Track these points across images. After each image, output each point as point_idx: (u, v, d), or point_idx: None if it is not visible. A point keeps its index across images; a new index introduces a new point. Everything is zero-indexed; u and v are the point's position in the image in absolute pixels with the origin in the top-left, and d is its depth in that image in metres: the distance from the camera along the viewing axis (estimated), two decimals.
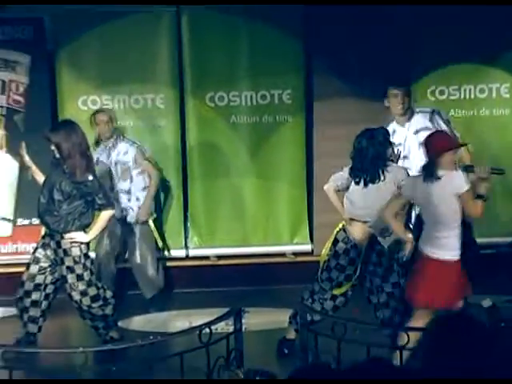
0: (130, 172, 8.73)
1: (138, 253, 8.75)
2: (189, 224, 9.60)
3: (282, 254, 9.56)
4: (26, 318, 7.21)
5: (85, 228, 7.18)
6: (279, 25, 9.34)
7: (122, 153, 8.73)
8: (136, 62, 9.33)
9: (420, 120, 8.10)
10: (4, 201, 9.32)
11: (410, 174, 7.88)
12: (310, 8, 9.31)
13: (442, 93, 9.50)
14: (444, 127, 8.10)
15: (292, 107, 9.51)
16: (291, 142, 9.53)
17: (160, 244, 9.04)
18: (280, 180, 9.57)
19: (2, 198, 9.30)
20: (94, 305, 7.11)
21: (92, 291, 7.11)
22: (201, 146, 9.51)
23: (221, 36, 9.41)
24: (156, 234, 8.89)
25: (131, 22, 9.33)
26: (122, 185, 8.72)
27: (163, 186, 9.44)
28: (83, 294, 7.09)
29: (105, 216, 7.22)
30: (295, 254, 9.56)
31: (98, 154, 8.56)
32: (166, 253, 9.32)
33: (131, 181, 8.73)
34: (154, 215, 8.94)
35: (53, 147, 7.06)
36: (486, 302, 7.39)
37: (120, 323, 7.65)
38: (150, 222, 8.85)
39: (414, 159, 7.99)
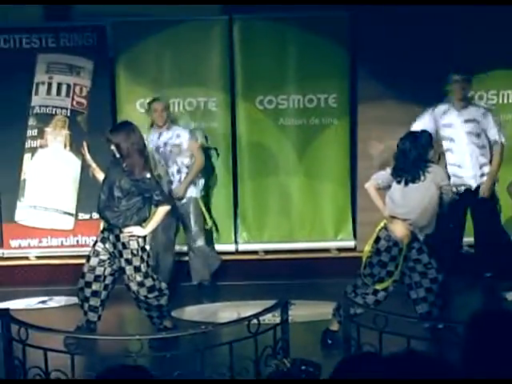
0: (183, 154, 8.76)
1: (195, 236, 8.77)
2: (238, 220, 9.61)
3: (327, 250, 9.54)
4: (87, 307, 7.24)
5: (142, 222, 7.21)
6: (326, 32, 9.31)
7: (175, 136, 8.79)
8: (190, 68, 9.35)
9: (473, 111, 8.26)
10: (67, 196, 9.41)
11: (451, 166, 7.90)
12: (354, 16, 9.29)
13: (480, 97, 9.34)
14: (493, 127, 8.14)
15: (337, 110, 9.47)
16: (336, 143, 9.50)
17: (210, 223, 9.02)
18: (325, 179, 9.54)
19: (65, 193, 9.39)
20: (149, 295, 7.14)
21: (148, 282, 7.13)
22: (250, 146, 9.52)
23: (270, 43, 9.38)
24: (206, 216, 8.93)
25: (185, 29, 9.35)
26: (173, 167, 8.78)
27: (214, 184, 9.47)
28: (140, 284, 7.11)
29: (161, 211, 7.24)
30: (339, 249, 9.53)
31: (150, 136, 8.71)
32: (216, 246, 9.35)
33: (182, 163, 8.78)
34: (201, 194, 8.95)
35: (113, 147, 7.09)
36: (511, 295, 7.43)
37: (173, 313, 7.68)
38: (201, 204, 8.91)
39: (461, 144, 8.14)
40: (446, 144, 8.32)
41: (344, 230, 9.58)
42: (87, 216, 9.31)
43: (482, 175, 8.22)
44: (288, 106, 9.46)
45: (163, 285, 7.27)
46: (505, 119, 9.28)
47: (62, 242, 9.41)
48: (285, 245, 9.51)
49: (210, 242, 9.11)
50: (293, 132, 9.52)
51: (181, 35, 9.32)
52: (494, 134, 8.23)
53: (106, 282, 7.22)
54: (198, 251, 8.86)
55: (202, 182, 8.95)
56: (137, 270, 7.10)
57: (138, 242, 7.10)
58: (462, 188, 8.20)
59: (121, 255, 7.11)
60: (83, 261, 7.34)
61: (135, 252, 7.10)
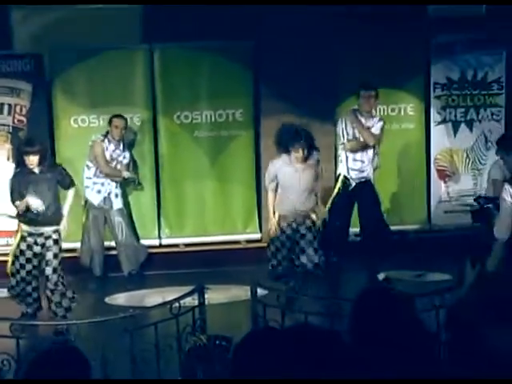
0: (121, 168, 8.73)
1: (123, 232, 8.69)
2: (161, 218, 9.50)
3: (237, 242, 9.50)
4: (26, 298, 7.11)
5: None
6: (233, 57, 9.28)
7: (122, 156, 8.74)
8: (117, 89, 9.21)
9: (374, 120, 8.29)
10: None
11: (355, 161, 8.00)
12: (259, 43, 9.25)
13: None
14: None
15: (243, 123, 9.44)
16: (243, 151, 9.47)
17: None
18: (234, 182, 9.51)
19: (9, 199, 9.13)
20: (58, 282, 7.01)
21: (59, 271, 7.03)
22: (170, 155, 9.42)
23: (186, 67, 9.30)
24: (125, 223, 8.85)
25: (112, 56, 9.21)
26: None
27: (141, 189, 9.34)
28: (55, 271, 6.97)
29: (71, 193, 7.25)
30: (247, 241, 9.50)
31: (105, 144, 8.60)
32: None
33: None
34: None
35: (34, 156, 6.92)
36: (381, 276, 7.39)
37: (106, 299, 7.57)
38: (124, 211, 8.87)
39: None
40: None
41: (251, 225, 9.55)
42: None
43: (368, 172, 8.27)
44: (201, 120, 9.39)
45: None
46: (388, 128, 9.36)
47: (7, 241, 9.16)
48: (201, 238, 9.43)
49: (135, 238, 9.01)
50: (206, 142, 9.45)
51: (108, 61, 9.18)
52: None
53: (35, 273, 7.09)
54: (126, 247, 8.76)
55: (122, 193, 8.84)
56: (55, 256, 6.95)
57: (58, 234, 7.01)
58: (356, 182, 8.16)
59: (49, 250, 6.98)
60: None
61: (60, 246, 7.03)
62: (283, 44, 9.09)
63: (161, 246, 9.47)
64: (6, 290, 7.43)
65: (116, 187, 8.74)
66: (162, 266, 9.06)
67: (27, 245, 7.04)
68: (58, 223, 7.11)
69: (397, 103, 9.51)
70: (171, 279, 8.50)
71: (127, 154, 8.85)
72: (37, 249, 7.02)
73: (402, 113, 9.52)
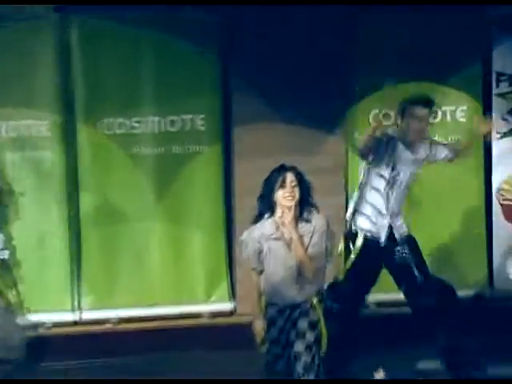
0: None
1: None
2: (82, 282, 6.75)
3: (197, 315, 6.93)
4: None
5: None
6: (190, 37, 6.67)
7: None
8: (15, 82, 6.45)
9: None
10: None
11: None
12: (227, 16, 6.68)
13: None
14: None
15: (207, 135, 6.88)
16: (206, 177, 6.93)
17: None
18: (193, 225, 6.98)
19: None
20: None
21: None
22: (95, 183, 6.75)
23: (120, 51, 6.62)
24: None
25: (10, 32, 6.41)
26: None
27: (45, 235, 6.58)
28: None
29: None
30: (213, 314, 6.97)
31: None
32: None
33: None
34: None
35: None
36: (379, 374, 5.96)
37: None
38: None
39: None
40: None
41: (218, 290, 7.02)
42: None
43: None
44: (144, 130, 6.79)
45: None
46: None
47: None
48: (142, 311, 6.81)
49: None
50: (150, 163, 6.82)
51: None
52: None
53: None
54: None
55: None
56: None
57: None
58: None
59: None
60: None
61: None
62: (260, 19, 6.53)
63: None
64: None
65: None
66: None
67: None
68: None
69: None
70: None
71: None
72: None
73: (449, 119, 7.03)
